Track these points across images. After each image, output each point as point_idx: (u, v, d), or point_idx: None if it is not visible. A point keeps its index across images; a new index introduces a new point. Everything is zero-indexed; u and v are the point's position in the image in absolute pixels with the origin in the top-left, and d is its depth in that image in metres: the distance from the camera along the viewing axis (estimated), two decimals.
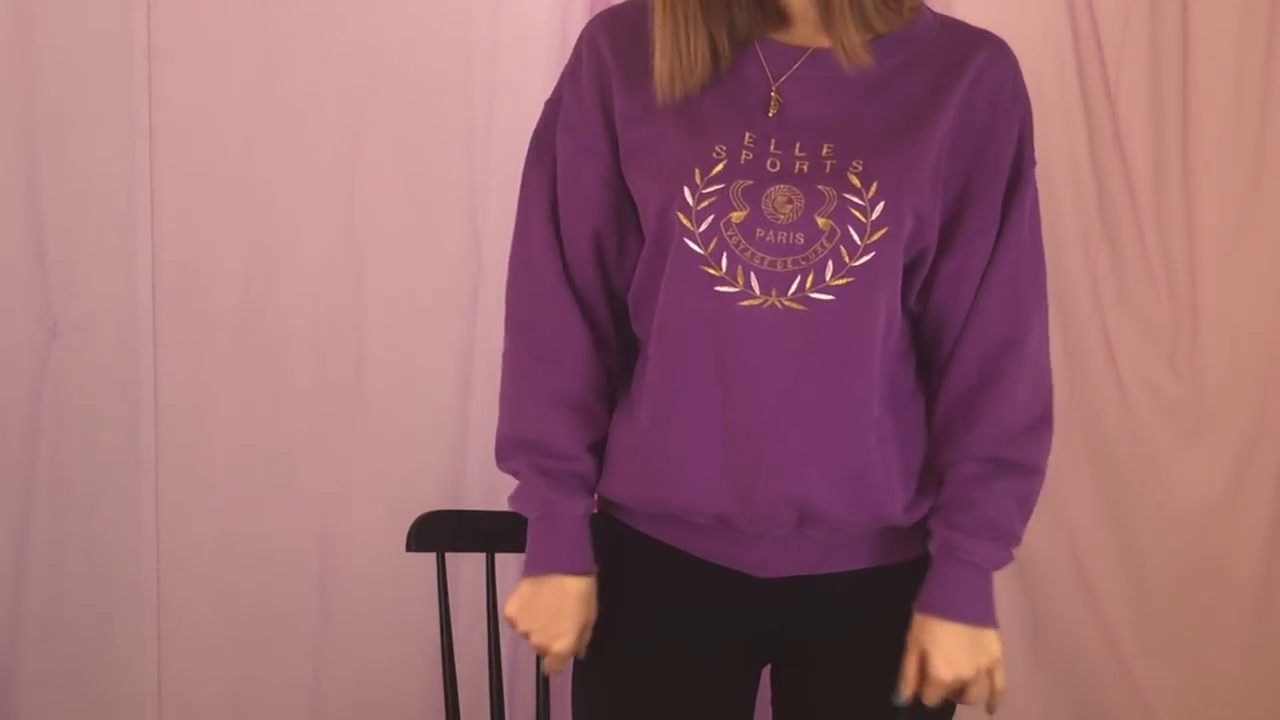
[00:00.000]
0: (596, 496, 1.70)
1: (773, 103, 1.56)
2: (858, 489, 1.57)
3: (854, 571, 1.64)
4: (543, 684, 2.10)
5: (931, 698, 1.60)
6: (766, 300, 1.53)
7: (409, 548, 2.08)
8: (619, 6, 1.66)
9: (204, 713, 2.78)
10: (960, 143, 1.56)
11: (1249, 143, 2.67)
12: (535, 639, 1.66)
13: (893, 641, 1.61)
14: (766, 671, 1.75)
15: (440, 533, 2.09)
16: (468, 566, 2.54)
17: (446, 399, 2.70)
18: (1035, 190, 1.63)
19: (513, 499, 1.67)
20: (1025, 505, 1.63)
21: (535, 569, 1.65)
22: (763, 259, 1.52)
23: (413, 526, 2.08)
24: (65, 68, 2.65)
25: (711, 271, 1.54)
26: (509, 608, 1.66)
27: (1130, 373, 2.71)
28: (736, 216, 1.53)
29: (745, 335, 1.53)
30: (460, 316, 2.67)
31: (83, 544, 2.76)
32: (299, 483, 2.73)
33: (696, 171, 1.54)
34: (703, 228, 1.54)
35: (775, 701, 1.73)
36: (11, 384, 2.72)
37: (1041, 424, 1.64)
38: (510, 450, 1.67)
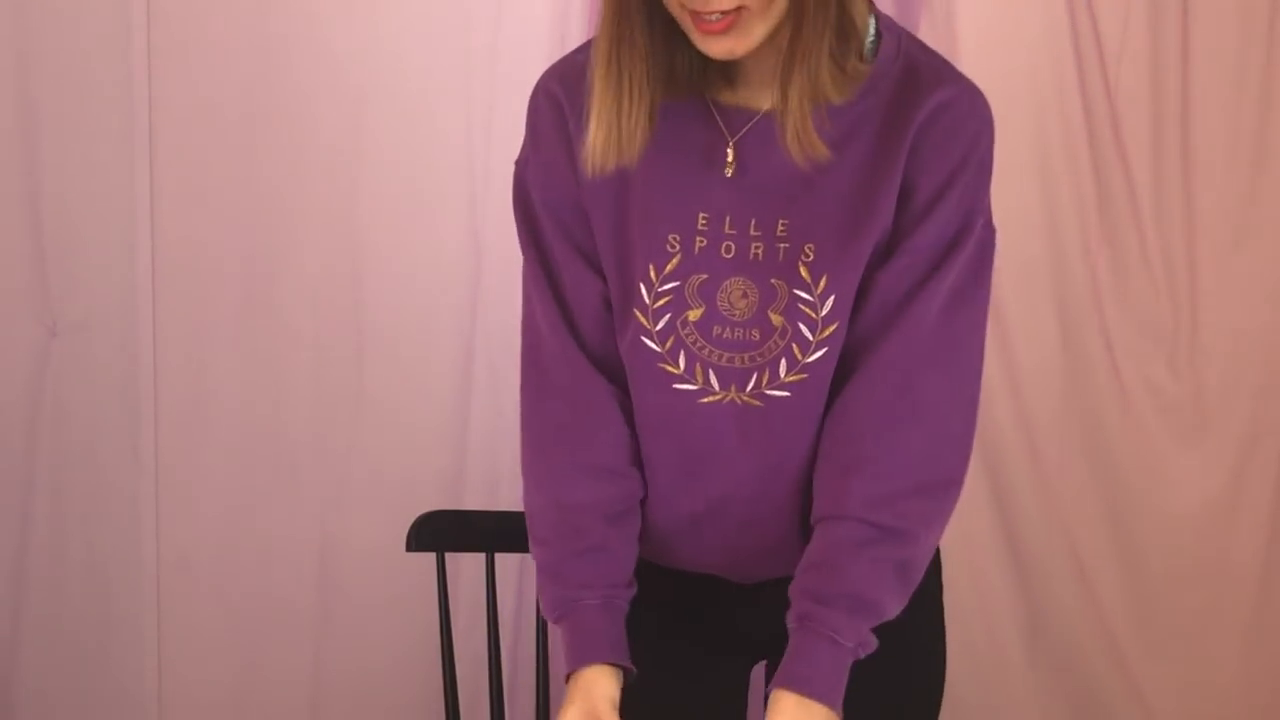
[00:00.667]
0: None
1: (729, 163, 1.50)
2: None
3: None
4: (543, 683, 2.10)
5: None
6: (726, 396, 1.51)
7: (409, 548, 2.07)
8: (570, 59, 1.57)
9: (204, 713, 2.78)
10: (909, 181, 1.47)
11: (1249, 143, 2.67)
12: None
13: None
14: (760, 670, 1.75)
15: (440, 533, 2.09)
16: (468, 566, 2.54)
17: (446, 399, 2.70)
18: (979, 253, 1.51)
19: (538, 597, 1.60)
20: (904, 573, 1.49)
21: (566, 670, 1.55)
22: (720, 355, 1.50)
23: (413, 526, 2.07)
24: (65, 67, 2.65)
25: (670, 369, 1.52)
26: None
27: (1130, 373, 2.70)
28: (693, 315, 1.50)
29: (707, 431, 1.52)
30: (460, 316, 2.67)
31: (83, 544, 2.75)
32: (299, 483, 2.73)
33: (651, 268, 1.50)
34: (659, 326, 1.51)
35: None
36: (11, 383, 2.72)
37: (932, 490, 1.50)
38: (530, 528, 1.60)
